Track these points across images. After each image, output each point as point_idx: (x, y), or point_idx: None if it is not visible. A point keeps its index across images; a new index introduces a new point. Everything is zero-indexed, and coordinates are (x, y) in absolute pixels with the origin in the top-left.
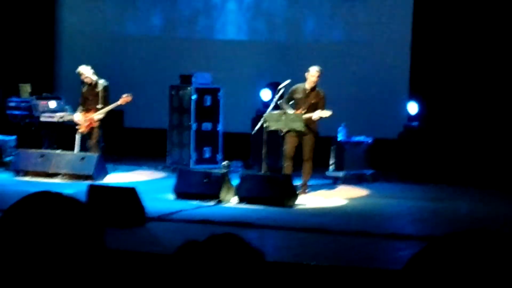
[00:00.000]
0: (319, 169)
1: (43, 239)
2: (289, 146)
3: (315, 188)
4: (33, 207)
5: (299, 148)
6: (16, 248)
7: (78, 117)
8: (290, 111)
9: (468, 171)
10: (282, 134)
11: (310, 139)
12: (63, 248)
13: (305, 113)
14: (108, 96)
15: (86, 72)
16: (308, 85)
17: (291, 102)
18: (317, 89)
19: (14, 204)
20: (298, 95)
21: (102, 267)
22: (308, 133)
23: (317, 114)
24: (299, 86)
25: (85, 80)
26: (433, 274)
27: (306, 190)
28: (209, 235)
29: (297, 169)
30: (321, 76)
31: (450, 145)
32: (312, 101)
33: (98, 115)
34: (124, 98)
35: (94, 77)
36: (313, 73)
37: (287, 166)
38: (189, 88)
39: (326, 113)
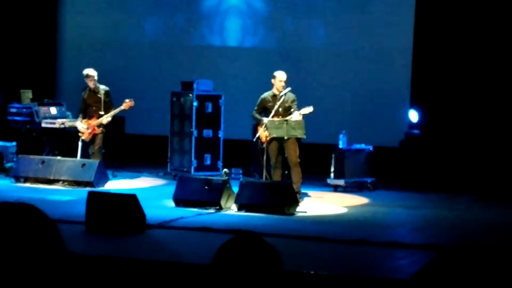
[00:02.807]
0: (319, 176)
1: (3, 246)
2: (274, 154)
3: (316, 196)
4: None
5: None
6: None
7: (81, 124)
8: (266, 120)
9: (469, 180)
10: (262, 146)
11: (293, 143)
12: (23, 254)
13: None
14: (111, 101)
15: (95, 75)
16: (277, 90)
17: (261, 112)
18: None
19: None
20: (269, 103)
21: (63, 271)
22: (289, 138)
23: (297, 114)
24: (266, 94)
25: (90, 83)
26: (443, 285)
27: (300, 197)
28: (234, 236)
29: (290, 177)
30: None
31: (451, 153)
32: (285, 105)
33: (106, 119)
34: (127, 103)
35: (97, 83)
36: (281, 77)
37: (275, 174)
38: (190, 95)
39: (307, 110)
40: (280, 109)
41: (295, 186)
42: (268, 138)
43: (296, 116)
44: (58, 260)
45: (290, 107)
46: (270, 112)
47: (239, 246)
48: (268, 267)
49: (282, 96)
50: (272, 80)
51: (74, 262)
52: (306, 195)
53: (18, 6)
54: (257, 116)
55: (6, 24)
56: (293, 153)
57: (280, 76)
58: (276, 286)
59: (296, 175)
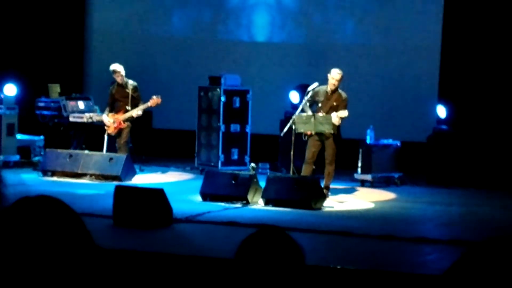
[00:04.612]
0: (347, 171)
1: (35, 240)
2: (311, 150)
3: (343, 190)
4: (23, 211)
5: (321, 152)
6: (8, 248)
7: (107, 118)
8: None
9: (498, 175)
10: (305, 139)
11: (332, 142)
12: (53, 248)
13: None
14: (140, 96)
15: (122, 70)
16: (329, 87)
17: (313, 104)
18: (338, 91)
19: (5, 209)
20: (320, 98)
21: (93, 266)
22: (330, 136)
23: (335, 116)
24: (321, 88)
25: (118, 79)
26: (475, 280)
27: (328, 193)
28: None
29: (319, 172)
30: (342, 78)
31: (480, 149)
32: (333, 103)
33: (137, 112)
34: (154, 100)
35: (125, 78)
36: (334, 75)
37: (305, 169)
38: (218, 90)
39: (343, 114)
40: (326, 106)
41: (326, 182)
42: (311, 132)
43: (333, 117)
44: (86, 254)
45: (338, 106)
46: (319, 106)
47: (261, 240)
48: (290, 261)
49: (331, 94)
50: (328, 76)
51: (103, 256)
52: (333, 190)
53: (46, 1)
54: (306, 107)
55: (35, 18)
56: (330, 152)
57: (332, 74)
58: (297, 280)
59: (327, 172)
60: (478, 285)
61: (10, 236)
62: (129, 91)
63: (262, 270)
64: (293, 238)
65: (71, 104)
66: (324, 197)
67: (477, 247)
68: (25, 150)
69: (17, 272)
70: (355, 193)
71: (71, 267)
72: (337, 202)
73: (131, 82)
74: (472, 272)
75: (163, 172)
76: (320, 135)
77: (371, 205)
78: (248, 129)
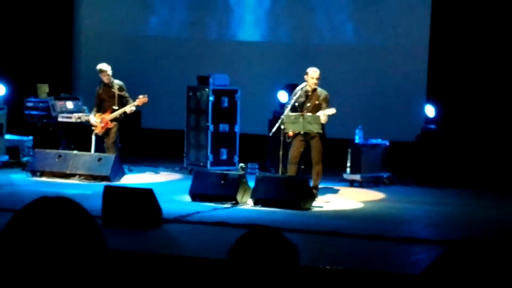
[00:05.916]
0: (335, 171)
1: (48, 241)
2: (294, 150)
3: (332, 190)
4: (42, 210)
5: (308, 152)
6: (22, 249)
7: (94, 118)
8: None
9: (486, 175)
10: (289, 140)
11: (318, 142)
12: (66, 250)
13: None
14: (127, 94)
15: (108, 69)
16: (311, 86)
17: (294, 106)
18: (318, 90)
19: (24, 207)
20: (300, 98)
21: (103, 268)
22: (315, 135)
23: (321, 114)
24: (300, 89)
25: (104, 78)
26: (452, 280)
27: (317, 192)
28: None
29: (307, 172)
30: (320, 76)
31: (468, 149)
32: (316, 102)
33: (130, 108)
34: (141, 99)
35: (111, 78)
36: (312, 75)
37: (290, 169)
38: (206, 89)
39: (330, 111)
40: (309, 107)
41: (315, 182)
42: (294, 133)
43: (321, 116)
44: (99, 257)
45: (320, 105)
46: (300, 107)
47: (256, 240)
48: (285, 261)
49: (311, 93)
50: (305, 77)
51: (112, 262)
52: (322, 190)
53: (34, 1)
54: (287, 109)
55: (23, 19)
56: (316, 151)
57: (311, 73)
58: (292, 280)
59: (315, 172)
60: (454, 285)
61: (27, 234)
62: (115, 90)
63: (256, 270)
64: (286, 238)
65: (59, 104)
66: (313, 197)
67: (455, 248)
68: (14, 151)
69: (29, 271)
70: (344, 193)
71: (82, 270)
72: (326, 202)
73: (116, 82)
74: (449, 272)
75: (152, 172)
76: (305, 135)
77: (360, 205)
78: (237, 129)
